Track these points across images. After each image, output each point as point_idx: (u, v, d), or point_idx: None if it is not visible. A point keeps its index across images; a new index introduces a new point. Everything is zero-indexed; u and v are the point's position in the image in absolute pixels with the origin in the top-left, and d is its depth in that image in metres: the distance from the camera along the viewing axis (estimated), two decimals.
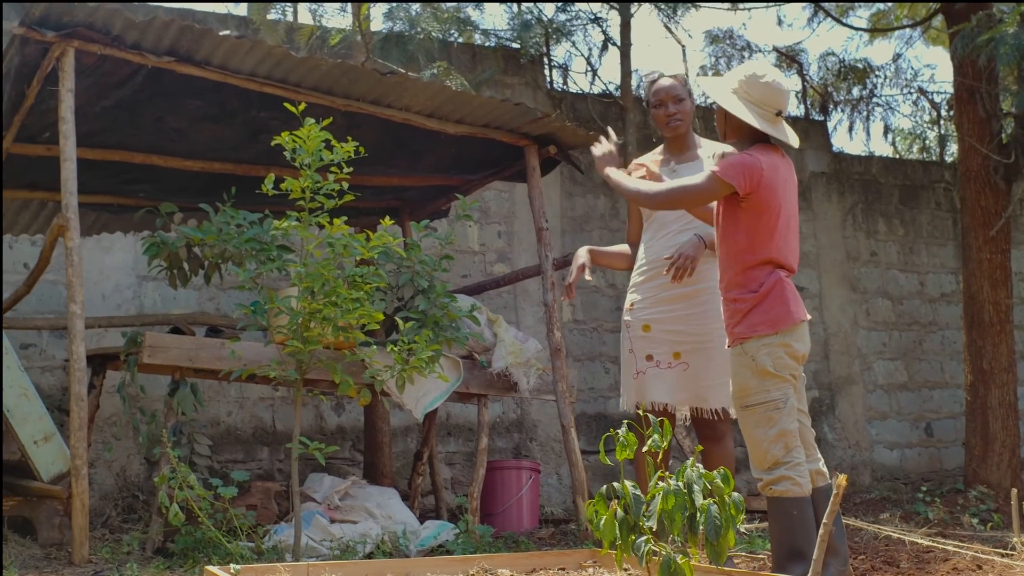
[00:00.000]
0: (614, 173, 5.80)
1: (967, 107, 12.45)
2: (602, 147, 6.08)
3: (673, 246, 6.18)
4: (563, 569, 5.08)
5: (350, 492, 8.44)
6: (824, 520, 4.22)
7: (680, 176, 6.19)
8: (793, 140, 5.47)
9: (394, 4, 12.02)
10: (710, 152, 6.42)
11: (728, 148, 6.25)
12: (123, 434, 9.90)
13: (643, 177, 6.06)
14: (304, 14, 12.66)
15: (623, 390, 6.49)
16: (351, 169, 6.69)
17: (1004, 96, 12.82)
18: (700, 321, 6.15)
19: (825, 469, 5.50)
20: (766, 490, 5.21)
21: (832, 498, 4.23)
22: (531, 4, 12.93)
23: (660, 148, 6.62)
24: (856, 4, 15.71)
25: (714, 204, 5.61)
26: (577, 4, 13.09)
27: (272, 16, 11.71)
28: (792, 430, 5.23)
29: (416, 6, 11.96)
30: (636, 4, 12.90)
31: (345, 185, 6.63)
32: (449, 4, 12.41)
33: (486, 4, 13.13)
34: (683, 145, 6.50)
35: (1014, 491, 7.75)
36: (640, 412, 5.64)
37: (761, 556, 7.22)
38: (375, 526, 7.97)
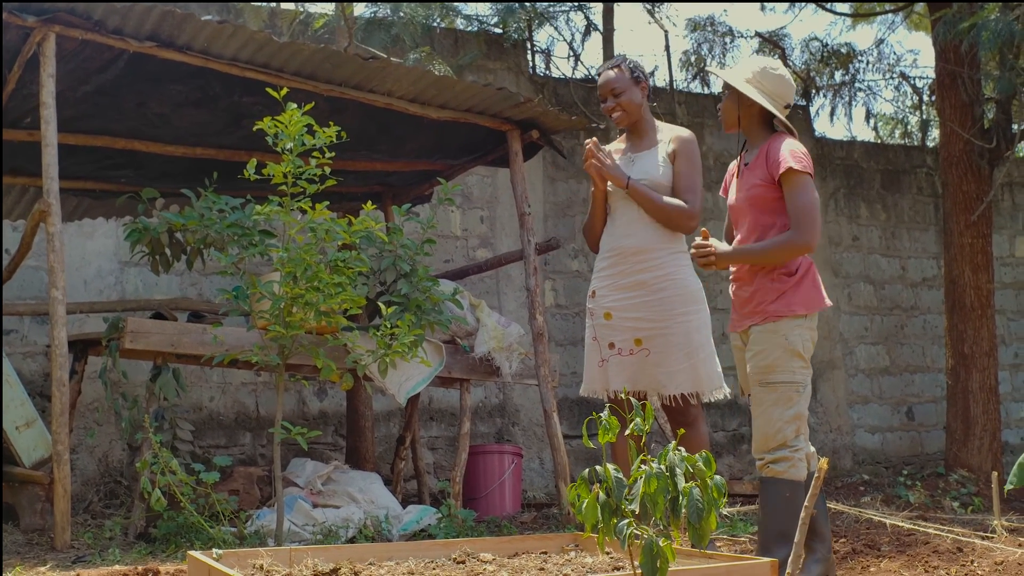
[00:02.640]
0: (735, 255, 5.57)
1: (949, 92, 12.47)
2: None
3: (632, 234, 6.19)
4: (545, 553, 5.08)
5: (332, 477, 8.45)
6: (805, 503, 4.24)
7: (638, 166, 6.25)
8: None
9: None
10: (668, 136, 6.39)
11: (685, 132, 6.32)
12: (105, 419, 9.88)
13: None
14: None
15: (587, 378, 6.45)
16: (333, 154, 6.68)
17: (986, 81, 12.85)
18: (659, 308, 6.12)
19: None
20: (764, 468, 5.26)
21: (813, 481, 4.25)
22: None
23: (623, 136, 6.60)
24: None
25: (732, 195, 5.63)
26: None
27: (257, 2, 11.68)
28: (806, 415, 5.31)
29: None
30: None
31: (327, 170, 6.62)
32: None
33: None
34: (639, 133, 6.45)
35: (994, 474, 7.79)
36: (608, 399, 5.70)
37: (743, 539, 7.25)
38: (357, 511, 7.97)
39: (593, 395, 6.41)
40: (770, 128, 5.56)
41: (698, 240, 5.51)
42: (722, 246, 5.50)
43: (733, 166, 5.79)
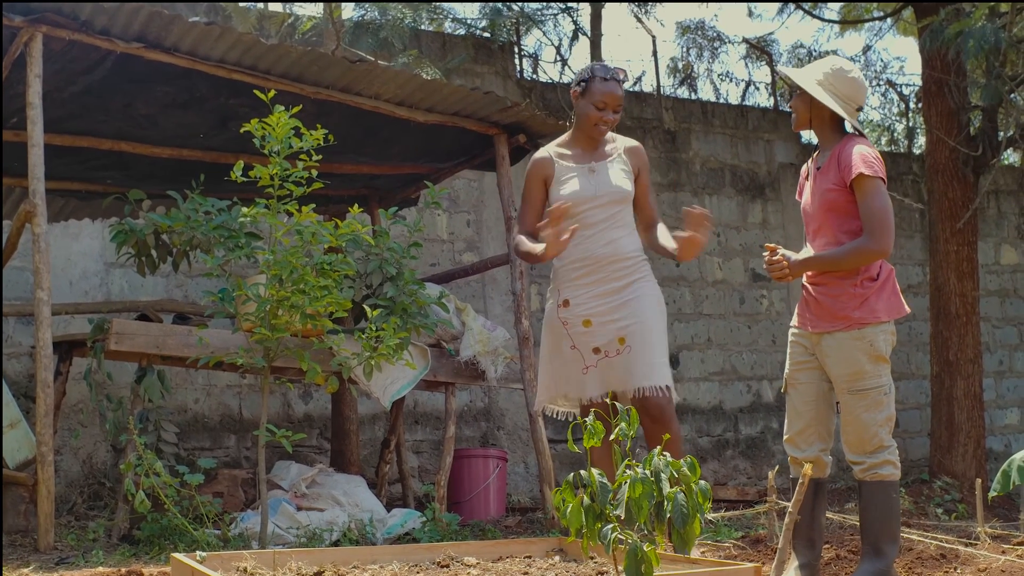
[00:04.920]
0: (808, 263, 5.49)
1: (935, 100, 12.51)
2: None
3: (608, 242, 6.05)
4: (530, 557, 5.08)
5: (317, 480, 8.44)
6: (790, 509, 4.25)
7: (600, 176, 6.10)
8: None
9: None
10: (621, 146, 6.24)
11: (637, 143, 6.26)
12: (89, 421, 9.86)
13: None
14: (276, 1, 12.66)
15: (553, 389, 6.19)
16: (320, 157, 6.67)
17: (972, 89, 12.89)
18: (637, 306, 6.03)
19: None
20: (867, 474, 5.33)
21: (798, 488, 4.26)
22: None
23: (569, 138, 6.32)
24: None
25: (808, 198, 5.62)
26: None
27: (244, 3, 11.68)
28: (895, 415, 5.39)
29: None
30: None
31: (314, 173, 6.60)
32: None
33: None
34: (598, 143, 6.24)
35: (978, 481, 7.81)
36: (588, 406, 5.68)
37: (727, 545, 7.25)
38: (342, 514, 7.97)
39: (560, 405, 6.24)
40: (842, 130, 5.54)
41: (767, 255, 5.50)
42: (794, 256, 5.51)
43: (806, 168, 5.76)
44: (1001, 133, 12.67)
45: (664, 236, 6.11)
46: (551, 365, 6.20)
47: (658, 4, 14.02)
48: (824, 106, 5.45)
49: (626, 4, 13.74)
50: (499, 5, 12.66)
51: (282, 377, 8.20)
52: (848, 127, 5.54)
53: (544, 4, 13.04)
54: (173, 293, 10.52)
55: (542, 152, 6.34)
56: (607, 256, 6.07)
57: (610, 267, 6.07)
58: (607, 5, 13.19)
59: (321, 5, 11.28)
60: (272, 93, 6.71)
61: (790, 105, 5.64)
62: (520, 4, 12.88)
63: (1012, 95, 12.92)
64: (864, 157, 5.30)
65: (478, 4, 13.31)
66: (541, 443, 8.56)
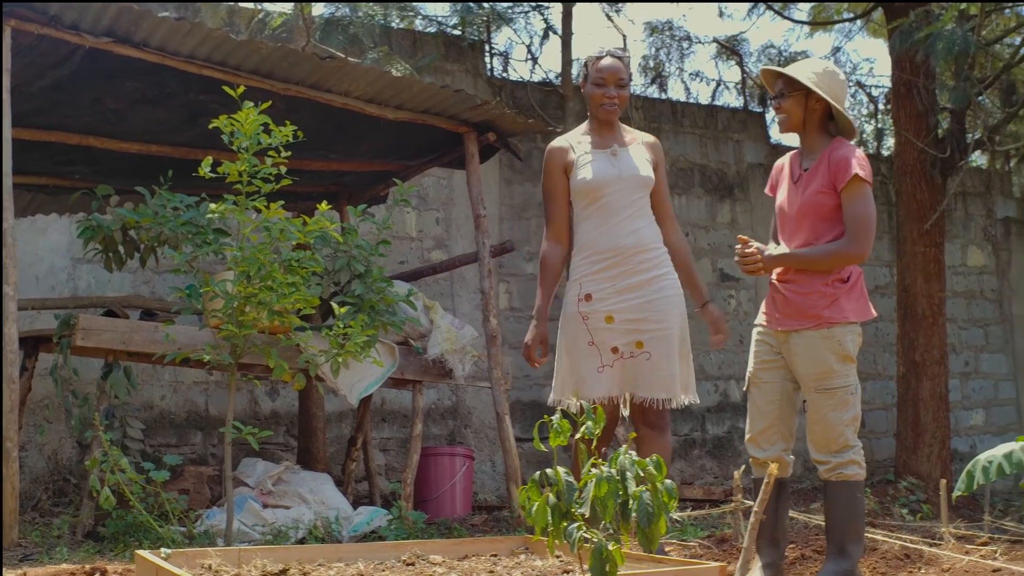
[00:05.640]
0: (783, 259, 5.48)
1: (904, 101, 12.57)
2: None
3: (631, 232, 5.99)
4: (495, 555, 5.08)
5: (283, 477, 8.43)
6: (755, 508, 4.27)
7: (623, 159, 6.06)
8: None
9: None
10: (640, 139, 6.22)
11: (652, 137, 6.27)
12: (55, 417, 9.82)
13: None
14: None
15: (567, 385, 6.06)
16: (289, 153, 6.65)
17: (941, 91, 12.94)
18: (660, 308, 5.96)
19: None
20: (832, 474, 5.36)
21: (763, 487, 4.28)
22: None
23: (586, 127, 6.28)
24: None
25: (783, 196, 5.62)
26: None
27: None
28: (860, 415, 5.41)
29: None
30: None
31: (283, 169, 6.60)
32: None
33: None
34: (614, 128, 6.22)
35: (943, 482, 7.85)
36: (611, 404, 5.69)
37: (693, 544, 7.26)
38: (308, 511, 7.96)
39: (576, 401, 5.96)
40: (828, 132, 5.55)
41: (739, 247, 5.50)
42: (769, 248, 5.51)
43: (781, 165, 5.75)
44: (969, 135, 12.74)
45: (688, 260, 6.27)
46: (567, 359, 6.10)
47: (629, 3, 14.03)
48: (817, 108, 5.46)
49: (597, 3, 13.75)
50: (470, 3, 12.64)
51: (249, 374, 8.19)
52: (833, 131, 5.55)
53: (515, 2, 13.03)
54: (140, 289, 10.48)
55: (558, 141, 6.28)
56: (631, 247, 5.98)
57: (634, 258, 5.98)
58: (578, 4, 13.19)
59: (291, 2, 11.26)
60: (241, 89, 6.69)
61: (780, 107, 5.57)
62: (491, 2, 12.87)
63: (980, 98, 13.00)
64: (860, 161, 5.33)
65: (449, 2, 13.25)
66: (508, 441, 8.57)
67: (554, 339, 6.18)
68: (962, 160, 12.42)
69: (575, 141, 6.21)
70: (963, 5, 11.93)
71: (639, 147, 6.17)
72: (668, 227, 6.22)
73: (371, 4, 11.71)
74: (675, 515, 8.71)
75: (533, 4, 13.21)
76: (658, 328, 5.96)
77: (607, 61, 6.10)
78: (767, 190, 5.84)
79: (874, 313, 5.49)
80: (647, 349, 5.93)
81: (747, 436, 5.64)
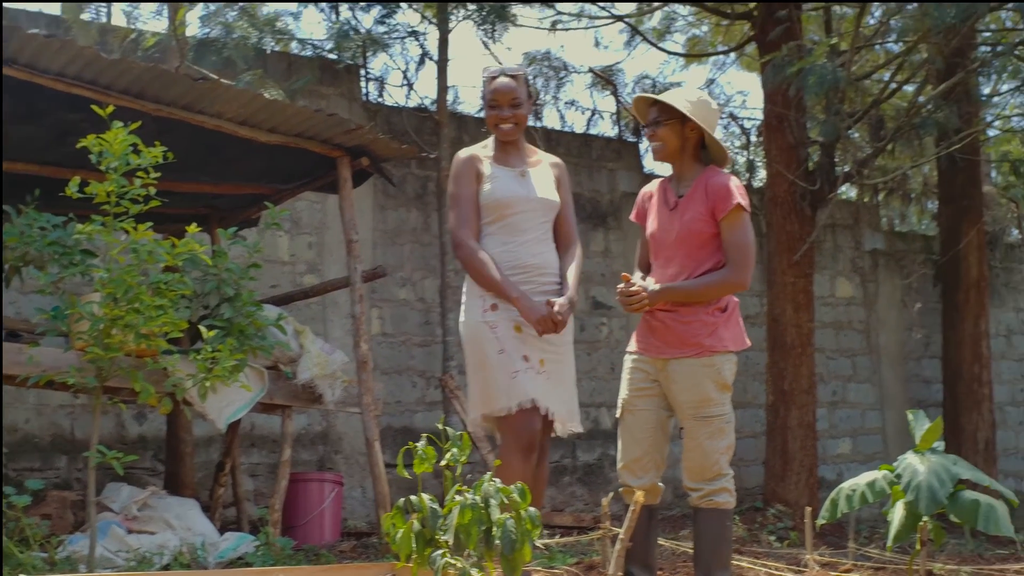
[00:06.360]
0: (667, 293, 5.48)
1: (776, 134, 12.77)
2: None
3: (536, 254, 5.88)
4: None
5: (149, 503, 8.33)
6: (621, 535, 4.30)
7: (531, 181, 5.96)
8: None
9: (211, 8, 11.92)
10: (545, 160, 6.15)
11: (556, 158, 6.21)
12: None
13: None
14: (120, 16, 12.49)
15: (498, 392, 5.72)
16: (159, 174, 6.58)
17: (811, 124, 13.16)
18: (559, 339, 5.94)
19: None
20: (703, 501, 5.41)
21: (629, 514, 4.31)
22: (351, 16, 12.91)
23: (490, 145, 6.13)
24: (673, 30, 15.99)
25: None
26: (396, 17, 13.11)
27: (86, 16, 11.51)
28: (734, 444, 5.47)
29: (233, 13, 11.86)
30: (455, 20, 12.94)
31: (152, 190, 6.53)
32: (267, 8, 12.34)
33: (304, 13, 13.05)
34: (517, 146, 6.11)
35: (808, 509, 7.96)
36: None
37: (560, 571, 7.29)
38: (173, 537, 7.87)
39: (502, 410, 5.71)
40: (701, 161, 5.59)
41: (622, 287, 5.48)
42: (652, 287, 5.49)
43: (649, 193, 5.77)
44: (838, 168, 12.96)
45: (571, 273, 5.98)
46: (480, 373, 5.84)
47: (506, 32, 14.07)
48: (692, 136, 5.52)
49: (475, 31, 13.80)
50: (346, 28, 12.63)
51: (115, 397, 8.07)
52: (705, 159, 5.62)
53: (391, 28, 13.04)
54: (4, 310, 10.30)
55: (467, 151, 6.12)
56: (536, 266, 5.86)
57: (539, 278, 5.86)
58: (455, 31, 13.24)
59: (166, 21, 11.15)
60: (111, 108, 6.62)
61: (654, 134, 5.59)
62: (367, 28, 12.86)
63: (850, 131, 13.23)
64: (739, 190, 5.40)
65: (325, 26, 13.22)
66: (378, 468, 8.55)
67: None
68: (831, 193, 12.63)
69: (483, 155, 6.08)
70: (834, 40, 12.16)
71: (545, 168, 6.12)
72: (573, 251, 6.06)
73: (246, 26, 11.64)
74: (544, 542, 8.74)
75: (410, 29, 13.23)
76: (555, 351, 5.86)
77: (500, 81, 5.98)
78: (632, 217, 5.89)
79: (748, 342, 5.57)
80: (546, 368, 5.80)
81: (620, 464, 5.66)
